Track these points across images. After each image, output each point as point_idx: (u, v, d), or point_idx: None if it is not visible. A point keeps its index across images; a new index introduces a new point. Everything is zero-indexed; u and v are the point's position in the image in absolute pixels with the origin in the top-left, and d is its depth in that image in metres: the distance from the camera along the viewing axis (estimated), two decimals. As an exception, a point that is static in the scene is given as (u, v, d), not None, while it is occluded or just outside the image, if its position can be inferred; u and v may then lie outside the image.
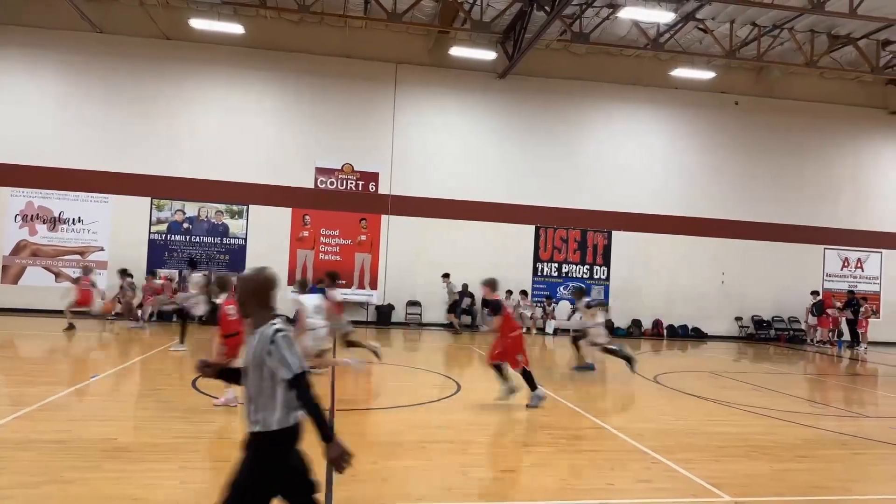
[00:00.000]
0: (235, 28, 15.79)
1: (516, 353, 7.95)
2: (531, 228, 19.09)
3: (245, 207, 17.76)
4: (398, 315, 18.16)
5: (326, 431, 2.81)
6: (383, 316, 17.90)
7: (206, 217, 17.62)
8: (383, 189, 18.32)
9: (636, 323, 19.08)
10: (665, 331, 19.16)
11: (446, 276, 17.81)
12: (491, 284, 8.26)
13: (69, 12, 16.09)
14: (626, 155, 19.53)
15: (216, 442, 5.87)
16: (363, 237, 18.28)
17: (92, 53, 17.03)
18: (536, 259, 19.14)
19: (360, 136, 18.26)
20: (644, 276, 19.48)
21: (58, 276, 16.83)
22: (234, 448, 5.69)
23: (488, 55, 17.00)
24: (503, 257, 18.61)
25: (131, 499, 4.34)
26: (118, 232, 17.10)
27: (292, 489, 2.96)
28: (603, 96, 19.44)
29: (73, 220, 17.02)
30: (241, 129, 17.68)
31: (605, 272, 19.45)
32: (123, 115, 17.18)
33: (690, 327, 19.37)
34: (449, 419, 7.18)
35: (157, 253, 17.31)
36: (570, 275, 19.27)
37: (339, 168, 18.15)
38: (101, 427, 6.19)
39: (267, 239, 17.71)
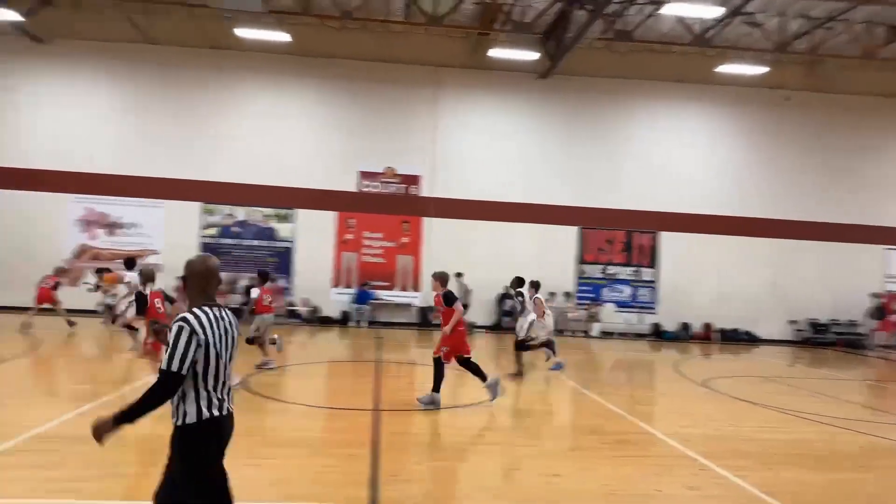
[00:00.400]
0: (281, 36, 16.17)
1: (460, 345, 7.97)
2: (575, 230, 18.88)
3: (292, 211, 18.17)
4: (441, 317, 18.21)
5: (124, 416, 2.82)
6: (426, 317, 18.01)
7: (255, 221, 18.10)
8: (425, 192, 18.45)
9: (684, 326, 18.62)
10: (715, 334, 18.63)
11: (459, 275, 17.82)
12: (441, 278, 8.25)
13: (125, 26, 16.80)
14: (671, 153, 19.12)
15: (265, 438, 6.03)
16: (405, 239, 18.44)
17: (146, 64, 17.73)
18: (580, 261, 18.91)
19: (402, 140, 18.44)
20: (693, 278, 19.00)
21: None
22: (282, 445, 5.85)
23: (529, 56, 16.90)
24: (546, 259, 18.46)
25: (186, 494, 4.50)
26: (171, 236, 17.73)
27: (209, 492, 2.90)
28: (647, 94, 19.08)
29: (130, 224, 17.74)
30: (286, 134, 18.11)
31: (652, 274, 19.07)
32: (175, 123, 17.81)
33: (742, 330, 18.78)
34: (492, 421, 7.17)
35: (208, 256, 17.86)
36: (615, 277, 18.97)
37: (382, 171, 18.37)
38: (154, 425, 6.42)
39: (313, 242, 18.06)
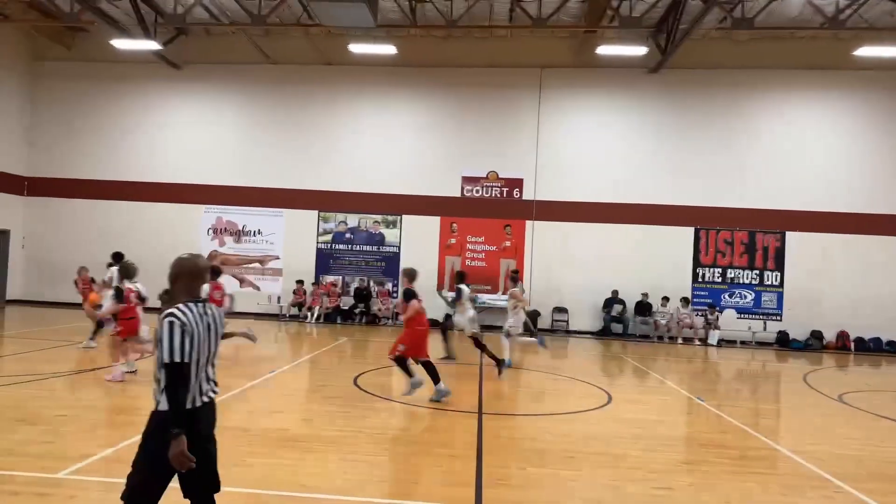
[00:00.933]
0: (389, 49, 16.76)
1: (420, 345, 7.94)
2: (690, 230, 17.89)
3: (399, 217, 18.73)
4: (544, 321, 17.98)
5: (174, 426, 2.80)
6: (528, 322, 17.79)
7: (366, 227, 18.86)
8: (528, 195, 18.30)
9: (816, 335, 17.01)
10: (852, 343, 16.85)
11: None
12: (409, 275, 8.24)
13: (249, 49, 18.21)
14: (800, 147, 17.60)
15: (373, 436, 6.24)
16: (507, 243, 18.39)
17: (267, 83, 19.09)
18: (697, 264, 17.87)
19: (505, 144, 18.42)
20: (825, 282, 17.34)
21: (242, 282, 18.99)
22: (388, 443, 6.03)
23: (639, 51, 16.27)
24: (659, 262, 17.67)
25: (300, 485, 4.77)
26: (291, 242, 18.94)
27: (187, 474, 2.90)
28: (770, 84, 17.70)
29: (254, 232, 19.14)
30: (393, 143, 18.72)
31: (778, 277, 17.63)
32: (293, 136, 19.01)
33: (885, 340, 16.85)
34: (598, 430, 6.96)
35: (324, 261, 18.88)
36: (735, 280, 17.73)
37: (485, 176, 18.46)
38: (277, 418, 6.88)
39: (417, 247, 18.51)
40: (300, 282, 18.21)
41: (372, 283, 18.49)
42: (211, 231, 19.20)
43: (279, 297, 18.38)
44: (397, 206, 18.68)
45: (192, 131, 19.30)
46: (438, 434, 6.66)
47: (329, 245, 18.91)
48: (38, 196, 19.51)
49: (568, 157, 18.22)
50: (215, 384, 3.19)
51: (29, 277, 19.37)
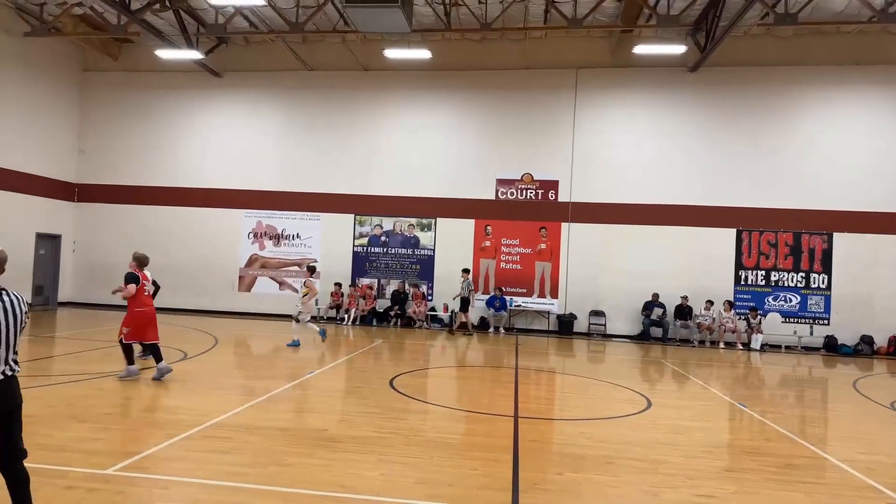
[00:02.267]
0: (423, 54, 16.87)
1: (143, 327, 8.50)
2: (732, 232, 17.46)
3: (433, 220, 18.80)
4: (580, 325, 17.78)
5: None
6: (565, 325, 17.65)
7: (400, 230, 18.99)
8: (563, 197, 18.14)
9: (866, 339, 16.38)
10: (907, 349, 16.16)
11: (466, 271, 17.37)
12: (137, 259, 8.75)
13: (285, 55, 18.57)
14: (846, 145, 17.00)
15: (408, 438, 6.28)
16: (543, 245, 18.25)
17: (303, 88, 19.43)
18: (739, 266, 17.42)
19: (540, 145, 18.31)
20: (876, 285, 16.69)
21: (281, 284, 19.35)
22: (425, 445, 6.05)
23: (677, 49, 15.99)
24: (699, 264, 17.31)
25: (339, 485, 4.82)
26: (328, 245, 19.21)
27: None
28: (815, 81, 17.15)
29: (293, 235, 19.48)
30: (428, 146, 18.80)
31: (825, 280, 17.04)
32: (330, 141, 19.29)
33: (942, 346, 16.10)
34: (638, 436, 6.84)
35: (360, 264, 19.08)
36: (780, 283, 17.21)
37: (519, 178, 18.38)
38: (315, 418, 6.98)
39: (452, 249, 18.53)
40: (338, 284, 18.45)
41: (407, 286, 18.59)
42: (251, 235, 19.61)
43: (316, 300, 18.64)
44: (432, 209, 18.74)
45: (232, 137, 19.77)
46: (474, 437, 6.65)
47: (365, 248, 19.10)
48: (88, 202, 20.27)
49: (604, 158, 18.01)
50: (16, 363, 3.53)
51: (79, 280, 20.13)
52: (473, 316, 17.82)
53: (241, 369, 10.37)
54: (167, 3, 16.14)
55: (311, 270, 13.99)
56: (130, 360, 8.56)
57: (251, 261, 19.59)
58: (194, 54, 17.36)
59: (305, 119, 19.49)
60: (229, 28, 17.00)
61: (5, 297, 3.44)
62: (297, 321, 12.94)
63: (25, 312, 3.56)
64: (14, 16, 17.31)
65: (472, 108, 18.74)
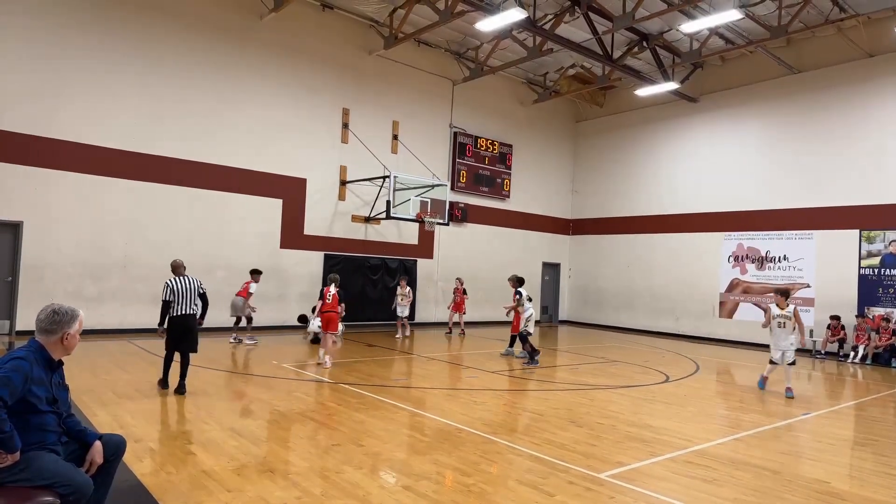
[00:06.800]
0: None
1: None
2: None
3: None
4: None
5: None
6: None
7: (930, 247, 14.89)
8: None
9: None
10: None
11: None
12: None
13: (766, 63, 17.27)
14: None
15: None
16: None
17: (788, 95, 17.56)
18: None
19: None
20: None
21: (766, 311, 17.69)
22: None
23: None
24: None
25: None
26: (824, 267, 16.65)
27: None
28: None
29: (779, 258, 17.66)
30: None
31: None
32: (824, 148, 16.80)
33: None
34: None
35: (869, 289, 15.80)
36: None
37: None
38: (814, 467, 6.09)
39: None
40: (835, 318, 15.71)
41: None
42: (731, 258, 18.72)
43: (811, 331, 16.30)
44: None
45: (709, 160, 19.47)
46: None
47: (875, 270, 15.73)
48: (580, 234, 23.25)
49: None
50: (196, 307, 5.55)
51: (574, 302, 23.17)
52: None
53: (724, 399, 9.94)
54: (644, 44, 17.25)
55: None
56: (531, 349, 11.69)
57: (732, 286, 18.65)
58: (670, 85, 17.94)
59: (790, 128, 17.56)
60: (704, 51, 16.94)
61: (185, 277, 7.46)
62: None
63: (200, 283, 7.46)
64: (527, 88, 21.58)
65: None
